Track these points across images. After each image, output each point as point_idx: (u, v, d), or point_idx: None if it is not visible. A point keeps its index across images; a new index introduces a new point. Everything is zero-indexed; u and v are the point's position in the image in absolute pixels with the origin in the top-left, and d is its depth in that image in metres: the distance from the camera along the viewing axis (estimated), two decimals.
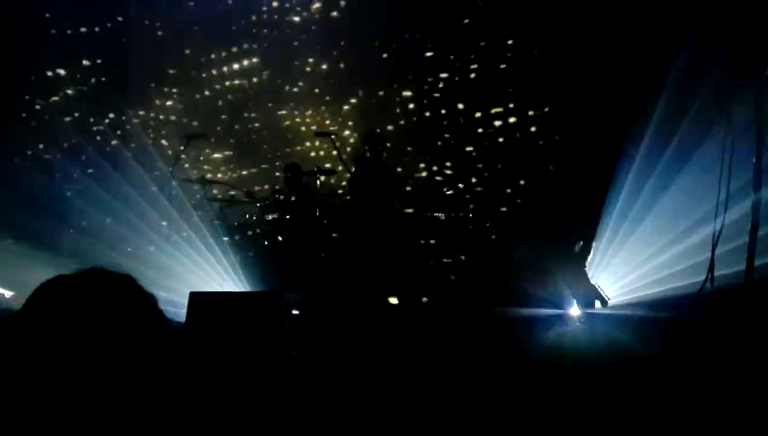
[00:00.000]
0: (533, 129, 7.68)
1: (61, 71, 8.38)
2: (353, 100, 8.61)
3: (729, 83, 4.09)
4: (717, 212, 3.90)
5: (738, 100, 3.99)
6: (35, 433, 1.16)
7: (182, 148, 7.26)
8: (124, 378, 1.23)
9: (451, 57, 8.12)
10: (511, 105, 7.87)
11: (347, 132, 8.44)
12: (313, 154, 8.51)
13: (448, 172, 8.19)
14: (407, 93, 8.39)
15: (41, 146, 8.16)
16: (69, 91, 8.34)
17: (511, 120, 7.89)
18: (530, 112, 7.73)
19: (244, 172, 8.80)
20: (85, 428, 1.18)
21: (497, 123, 7.98)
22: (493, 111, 7.97)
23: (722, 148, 3.92)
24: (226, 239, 6.42)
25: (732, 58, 4.09)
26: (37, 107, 8.38)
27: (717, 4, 4.38)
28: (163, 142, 8.62)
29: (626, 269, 5.72)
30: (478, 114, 8.05)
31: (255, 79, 8.83)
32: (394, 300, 5.79)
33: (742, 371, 3.12)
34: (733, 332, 3.51)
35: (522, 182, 7.63)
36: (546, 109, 7.48)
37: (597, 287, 5.55)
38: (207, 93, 8.86)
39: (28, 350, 1.22)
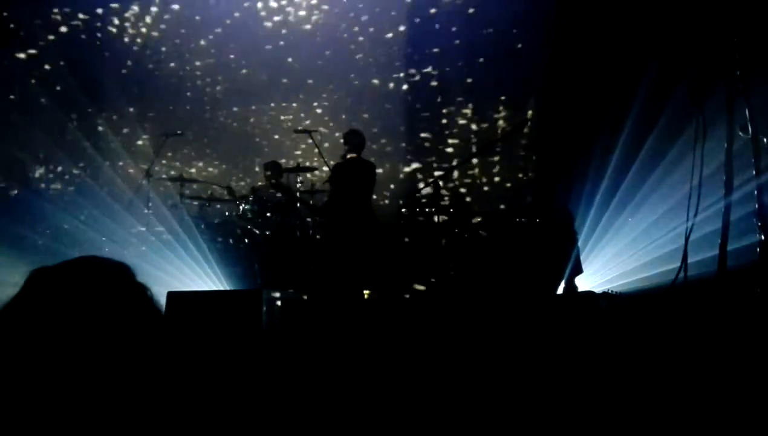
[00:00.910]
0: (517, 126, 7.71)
1: (34, 71, 8.24)
2: (334, 97, 8.59)
3: (702, 82, 4.16)
4: (690, 204, 3.97)
5: (710, 97, 4.07)
6: (24, 423, 1.15)
7: (159, 146, 7.19)
8: (111, 371, 1.22)
9: (434, 52, 8.13)
10: (490, 104, 7.91)
11: (327, 129, 8.41)
12: (293, 151, 8.48)
13: (431, 169, 8.20)
14: (388, 89, 8.38)
15: (15, 147, 8.02)
16: (43, 90, 8.19)
17: (496, 118, 7.93)
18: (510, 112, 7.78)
19: (223, 170, 8.74)
20: (72, 419, 1.17)
21: (479, 123, 8.01)
22: (473, 109, 8.01)
23: (694, 143, 3.99)
24: (204, 237, 6.37)
25: (705, 59, 4.18)
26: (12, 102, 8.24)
27: (690, 7, 4.48)
28: (140, 141, 8.53)
29: (604, 259, 5.81)
30: (461, 112, 8.08)
31: (233, 76, 8.76)
32: (372, 298, 5.76)
33: (716, 360, 3.17)
34: (706, 322, 3.58)
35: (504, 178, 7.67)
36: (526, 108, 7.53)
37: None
38: (184, 90, 8.77)
39: (21, 338, 1.21)
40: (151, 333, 1.31)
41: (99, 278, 1.32)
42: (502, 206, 7.35)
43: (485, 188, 7.85)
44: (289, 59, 8.64)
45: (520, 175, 7.19)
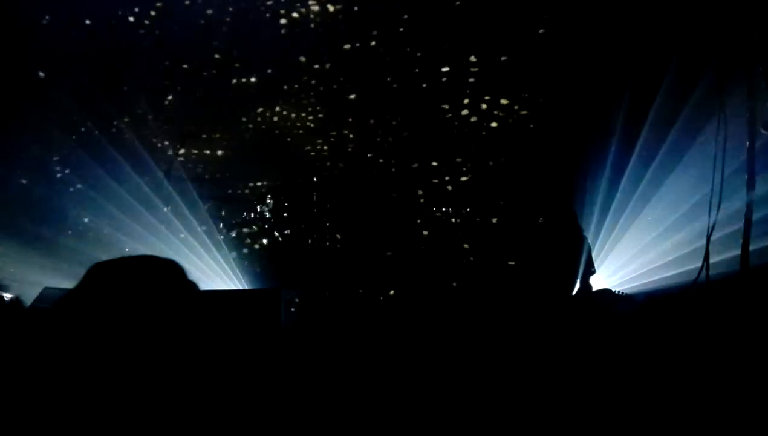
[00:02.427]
0: (530, 124, 7.67)
1: (53, 71, 8.35)
2: (351, 97, 8.60)
3: (723, 77, 4.12)
4: (712, 201, 3.92)
5: (732, 91, 4.03)
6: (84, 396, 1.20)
7: (178, 146, 7.28)
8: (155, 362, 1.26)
9: (454, 52, 8.10)
10: (506, 100, 7.86)
11: (345, 130, 8.44)
12: (311, 152, 8.51)
13: (448, 167, 8.18)
14: (407, 88, 8.37)
15: (36, 148, 8.15)
16: (61, 92, 8.31)
17: (514, 113, 7.87)
18: (525, 109, 7.72)
19: (242, 170, 8.79)
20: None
21: (493, 121, 7.97)
22: (490, 105, 7.96)
23: (716, 138, 3.95)
24: (223, 237, 6.43)
25: (726, 52, 4.13)
26: (30, 107, 8.37)
27: (712, 3, 4.43)
28: (159, 141, 8.61)
29: (624, 258, 5.75)
30: (476, 111, 8.04)
31: (253, 78, 8.82)
32: (387, 297, 5.77)
33: (738, 359, 3.14)
34: (729, 320, 3.54)
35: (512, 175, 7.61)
36: (540, 102, 7.46)
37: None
38: (203, 90, 8.84)
39: (84, 324, 1.25)
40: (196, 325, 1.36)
41: (154, 273, 1.37)
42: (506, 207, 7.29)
43: (492, 187, 7.80)
44: (306, 59, 8.67)
45: (529, 174, 7.15)
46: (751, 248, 3.75)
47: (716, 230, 3.94)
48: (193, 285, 1.43)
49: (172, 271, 1.44)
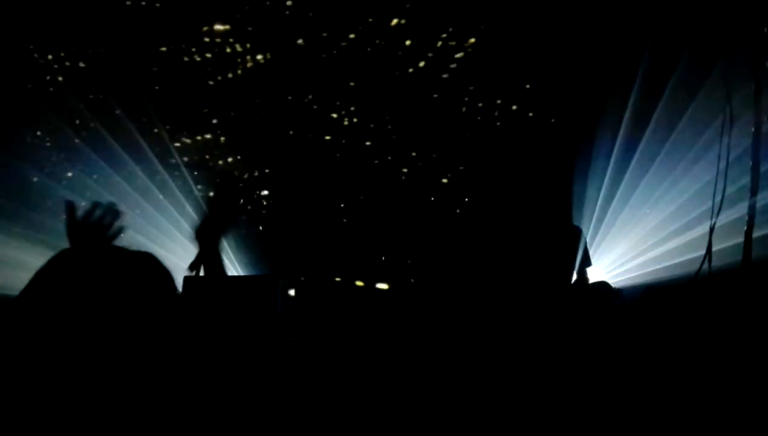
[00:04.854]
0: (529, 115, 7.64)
1: (49, 57, 8.27)
2: (351, 85, 8.54)
3: (730, 71, 4.07)
4: (715, 193, 3.88)
5: (738, 83, 3.99)
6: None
7: (174, 135, 7.22)
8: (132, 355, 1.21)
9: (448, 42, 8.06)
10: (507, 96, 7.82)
11: (344, 118, 8.38)
12: (308, 136, 8.46)
13: (445, 160, 8.15)
14: (406, 78, 8.32)
15: (31, 134, 8.07)
16: (58, 78, 8.22)
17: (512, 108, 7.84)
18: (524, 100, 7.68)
19: (239, 157, 8.73)
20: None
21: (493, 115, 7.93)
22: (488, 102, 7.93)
23: (721, 132, 3.90)
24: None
25: (733, 47, 4.09)
26: (27, 96, 8.27)
27: None
28: (153, 129, 8.53)
29: (624, 251, 5.74)
30: (474, 105, 8.00)
31: (248, 64, 8.74)
32: (383, 286, 5.74)
33: (740, 353, 3.12)
34: (731, 314, 3.51)
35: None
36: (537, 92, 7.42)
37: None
38: (199, 77, 8.76)
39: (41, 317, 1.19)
40: (173, 317, 1.30)
41: (122, 264, 1.31)
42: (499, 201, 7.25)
43: (488, 180, 7.76)
44: (305, 45, 8.60)
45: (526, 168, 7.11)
46: (755, 239, 3.71)
47: (719, 221, 3.90)
48: (169, 274, 1.36)
49: (150, 262, 1.37)
